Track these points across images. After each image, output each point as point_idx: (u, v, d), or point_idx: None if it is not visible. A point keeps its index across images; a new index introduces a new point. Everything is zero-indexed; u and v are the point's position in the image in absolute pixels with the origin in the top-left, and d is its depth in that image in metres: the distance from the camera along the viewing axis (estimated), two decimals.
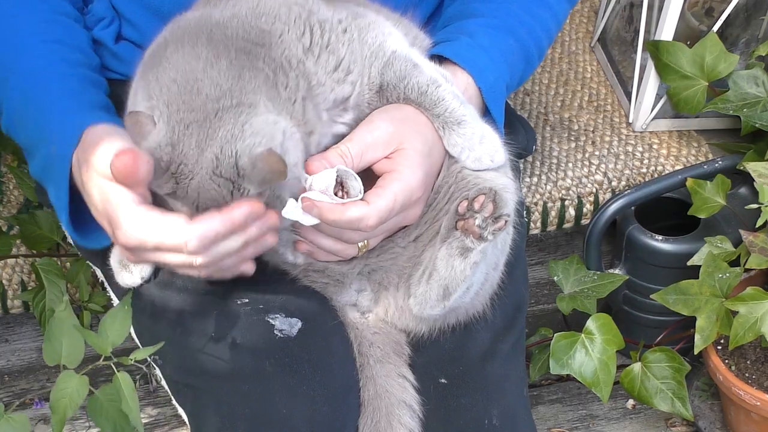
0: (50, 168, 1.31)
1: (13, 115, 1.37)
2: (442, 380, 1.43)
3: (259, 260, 1.37)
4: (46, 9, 1.40)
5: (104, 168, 1.20)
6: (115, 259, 1.40)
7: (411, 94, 1.33)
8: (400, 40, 1.35)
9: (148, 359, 1.36)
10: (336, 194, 1.25)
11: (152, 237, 1.18)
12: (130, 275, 1.39)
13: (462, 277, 1.31)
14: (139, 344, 1.49)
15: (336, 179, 1.24)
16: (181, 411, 1.48)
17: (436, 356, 1.43)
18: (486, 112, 1.43)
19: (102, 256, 1.50)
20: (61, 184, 1.29)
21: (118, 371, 1.33)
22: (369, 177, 1.29)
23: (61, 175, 1.29)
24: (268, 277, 1.38)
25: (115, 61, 1.49)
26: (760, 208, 1.80)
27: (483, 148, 1.34)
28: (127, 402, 1.32)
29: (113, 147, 1.20)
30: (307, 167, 1.25)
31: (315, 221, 1.24)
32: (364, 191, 1.26)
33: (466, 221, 1.29)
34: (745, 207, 1.87)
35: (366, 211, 1.25)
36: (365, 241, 1.34)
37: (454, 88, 1.35)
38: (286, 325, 1.36)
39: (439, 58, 1.41)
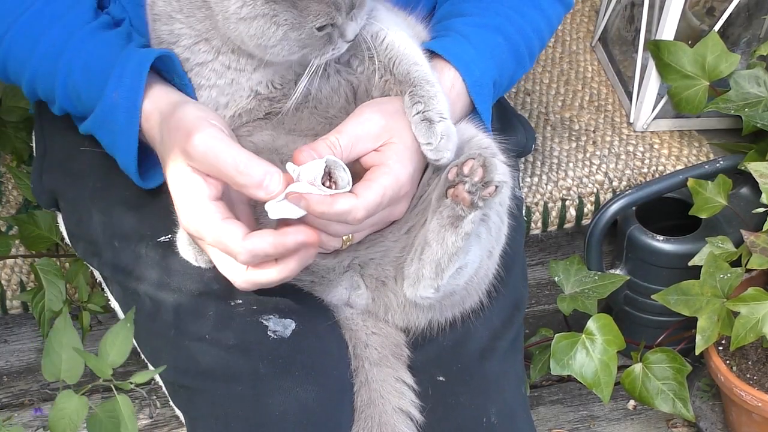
0: (112, 114, 1.34)
1: (71, 94, 1.39)
2: (440, 378, 1.42)
3: None
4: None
5: (195, 155, 1.23)
6: (183, 238, 1.38)
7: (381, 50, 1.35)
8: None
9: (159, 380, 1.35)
10: (324, 184, 1.24)
11: (209, 237, 1.24)
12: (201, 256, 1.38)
13: (453, 249, 1.28)
14: (136, 345, 1.49)
15: (324, 169, 1.23)
16: (178, 412, 1.48)
17: (434, 354, 1.42)
18: (473, 110, 1.42)
19: (99, 257, 1.50)
20: (129, 129, 1.33)
21: (118, 394, 1.32)
22: (356, 169, 1.29)
23: (129, 117, 1.32)
24: None
25: None
26: (765, 209, 1.79)
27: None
28: (126, 425, 1.31)
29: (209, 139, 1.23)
30: (294, 158, 1.24)
31: (302, 213, 1.23)
32: (352, 184, 1.26)
33: (456, 188, 1.27)
34: (752, 212, 1.86)
35: (354, 204, 1.25)
36: (350, 235, 1.33)
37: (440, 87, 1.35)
38: (279, 326, 1.35)
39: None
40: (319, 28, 1.24)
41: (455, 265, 1.30)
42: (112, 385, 1.33)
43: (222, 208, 1.24)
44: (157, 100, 1.32)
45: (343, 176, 1.24)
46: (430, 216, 1.30)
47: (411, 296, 1.34)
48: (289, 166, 1.24)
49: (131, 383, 1.33)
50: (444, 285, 1.31)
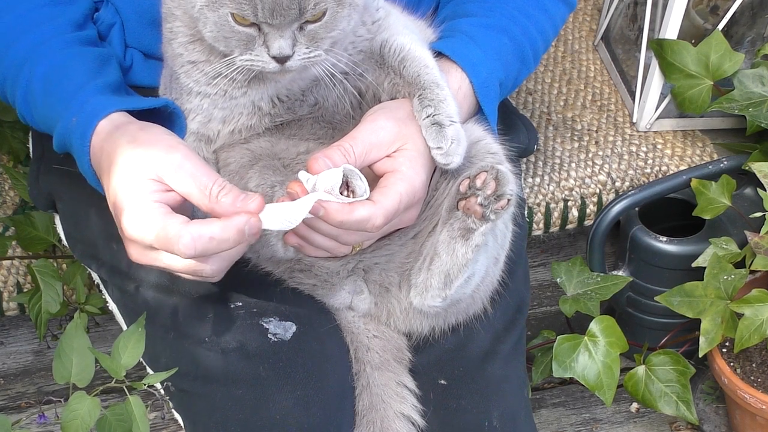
0: (69, 138, 1.30)
1: (29, 101, 1.36)
2: (442, 381, 1.41)
3: (245, 261, 1.35)
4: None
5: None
6: None
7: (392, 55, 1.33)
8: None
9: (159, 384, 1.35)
10: (341, 194, 1.23)
11: (150, 234, 1.16)
12: None
13: (464, 261, 1.29)
14: None
15: (342, 179, 1.22)
16: (177, 415, 1.47)
17: (435, 357, 1.42)
18: (480, 110, 1.41)
19: (97, 260, 1.48)
20: (82, 158, 1.28)
21: (130, 395, 1.32)
22: (366, 174, 1.28)
23: (80, 147, 1.28)
24: (262, 279, 1.36)
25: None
26: (763, 213, 1.78)
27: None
28: (138, 426, 1.31)
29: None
30: (309, 166, 1.23)
31: (291, 226, 1.21)
32: (369, 192, 1.25)
33: (468, 200, 1.27)
34: (750, 216, 1.85)
35: (373, 211, 1.24)
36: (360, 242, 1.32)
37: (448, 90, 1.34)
38: (280, 328, 1.34)
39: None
40: (238, 22, 1.20)
41: (464, 275, 1.30)
42: (124, 387, 1.32)
43: (166, 208, 1.18)
44: (115, 118, 1.27)
45: (360, 185, 1.24)
46: (440, 227, 1.30)
47: (418, 305, 1.34)
48: (303, 174, 1.23)
49: (144, 384, 1.33)
50: (452, 295, 1.31)
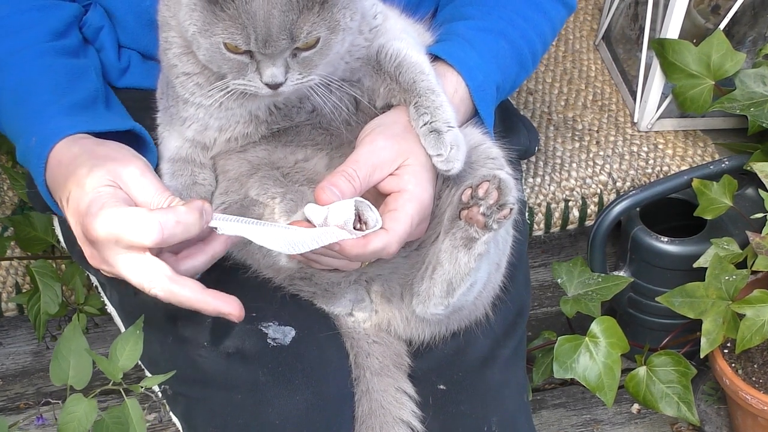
0: (28, 160, 1.31)
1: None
2: (441, 386, 1.40)
3: (245, 266, 1.35)
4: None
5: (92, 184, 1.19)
6: None
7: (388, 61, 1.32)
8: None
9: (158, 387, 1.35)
10: (354, 227, 1.23)
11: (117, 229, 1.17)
12: None
13: (466, 270, 1.28)
14: None
15: (354, 213, 1.22)
16: (175, 419, 1.46)
17: (435, 362, 1.41)
18: (476, 114, 1.41)
19: None
20: (38, 179, 1.29)
21: (127, 397, 1.32)
22: (369, 192, 1.28)
23: (37, 167, 1.28)
24: (262, 284, 1.36)
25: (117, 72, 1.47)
26: (765, 214, 1.78)
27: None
28: (135, 429, 1.30)
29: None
30: (317, 196, 1.23)
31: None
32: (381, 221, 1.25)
33: (470, 210, 1.26)
34: (751, 216, 1.84)
35: (387, 240, 1.24)
36: None
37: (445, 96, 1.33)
38: (279, 333, 1.33)
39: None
40: (230, 50, 1.20)
41: (467, 284, 1.29)
42: (121, 389, 1.32)
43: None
44: (75, 135, 1.28)
45: (372, 215, 1.24)
46: (443, 236, 1.29)
47: (420, 313, 1.33)
48: (311, 207, 1.22)
49: (141, 387, 1.32)
50: (454, 303, 1.31)
